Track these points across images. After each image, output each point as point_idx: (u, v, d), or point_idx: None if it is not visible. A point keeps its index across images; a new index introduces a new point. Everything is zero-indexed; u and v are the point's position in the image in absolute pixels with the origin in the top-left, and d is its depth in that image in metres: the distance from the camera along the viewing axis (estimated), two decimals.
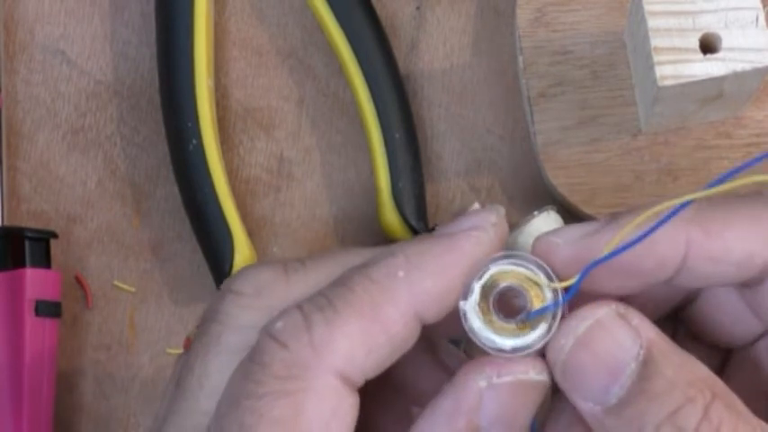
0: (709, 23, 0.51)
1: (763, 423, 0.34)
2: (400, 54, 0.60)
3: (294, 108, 0.61)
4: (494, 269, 0.36)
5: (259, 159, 0.60)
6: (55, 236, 0.58)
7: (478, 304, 0.35)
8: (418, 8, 0.61)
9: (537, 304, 0.35)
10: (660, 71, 0.51)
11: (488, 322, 0.35)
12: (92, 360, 0.59)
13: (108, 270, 0.60)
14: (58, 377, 0.57)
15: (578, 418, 0.35)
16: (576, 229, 0.36)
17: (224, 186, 0.58)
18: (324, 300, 0.35)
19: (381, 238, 0.58)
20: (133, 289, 0.59)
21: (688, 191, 0.34)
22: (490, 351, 0.35)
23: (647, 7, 0.51)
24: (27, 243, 0.57)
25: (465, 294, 0.35)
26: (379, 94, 0.58)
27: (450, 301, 0.36)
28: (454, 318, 0.35)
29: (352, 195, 0.60)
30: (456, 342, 0.47)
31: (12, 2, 0.62)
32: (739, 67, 0.51)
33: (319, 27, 0.60)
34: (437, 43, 0.61)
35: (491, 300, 0.35)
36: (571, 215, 0.57)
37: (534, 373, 0.35)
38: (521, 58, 0.58)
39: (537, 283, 0.36)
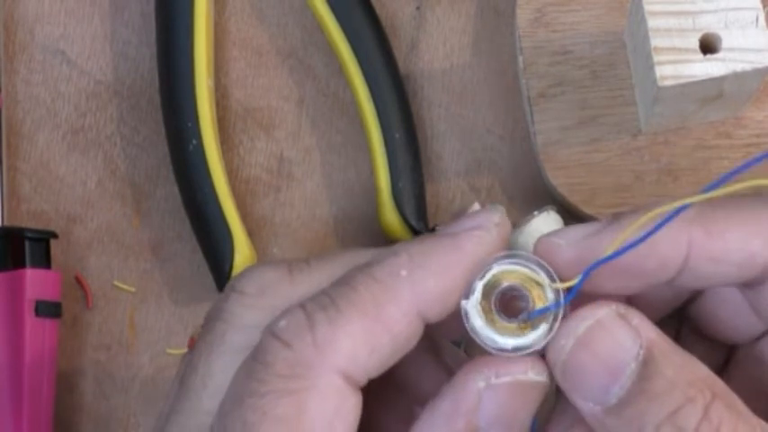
0: (710, 23, 0.51)
1: (763, 423, 0.34)
2: (400, 54, 0.60)
3: (294, 108, 0.61)
4: (496, 269, 0.36)
5: (259, 159, 0.60)
6: (55, 236, 0.58)
7: (480, 303, 0.35)
8: (418, 8, 0.61)
9: (539, 304, 0.35)
10: (660, 71, 0.51)
11: (490, 321, 0.35)
12: (92, 360, 0.59)
13: (108, 270, 0.60)
14: (58, 377, 0.57)
15: (579, 418, 0.35)
16: (578, 230, 0.36)
17: (224, 186, 0.58)
18: (327, 299, 0.35)
19: (381, 238, 0.58)
20: (133, 289, 0.59)
21: (688, 191, 0.34)
22: (491, 350, 0.35)
23: (647, 7, 0.52)
24: (27, 243, 0.57)
25: (467, 293, 0.36)
26: (379, 94, 0.58)
27: (452, 300, 0.36)
28: (456, 318, 0.36)
29: (352, 195, 0.60)
30: (456, 342, 0.47)
31: (12, 2, 0.62)
32: (739, 67, 0.51)
33: (319, 27, 0.60)
34: (437, 43, 0.61)
35: (493, 299, 0.35)
36: (571, 215, 0.57)
37: (533, 374, 0.35)
38: (521, 58, 0.58)
39: (539, 284, 0.36)
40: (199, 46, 0.58)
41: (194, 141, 0.58)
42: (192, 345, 0.37)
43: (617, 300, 0.36)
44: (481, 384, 0.35)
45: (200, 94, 0.58)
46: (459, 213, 0.59)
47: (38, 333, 0.56)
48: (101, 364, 0.59)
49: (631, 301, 0.37)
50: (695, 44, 0.51)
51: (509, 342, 0.35)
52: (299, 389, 0.34)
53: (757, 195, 0.38)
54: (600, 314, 0.35)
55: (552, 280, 0.35)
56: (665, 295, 0.39)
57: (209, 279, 0.58)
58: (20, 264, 0.56)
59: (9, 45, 0.62)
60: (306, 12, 0.61)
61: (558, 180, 0.57)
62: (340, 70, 0.60)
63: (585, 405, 0.35)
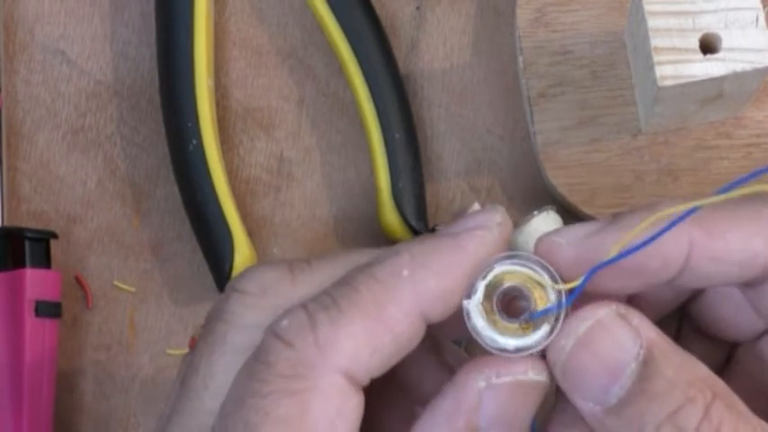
0: (710, 23, 0.52)
1: (763, 423, 0.34)
2: (400, 54, 0.60)
3: (294, 108, 0.61)
4: (498, 269, 0.36)
5: (259, 159, 0.60)
6: (55, 236, 0.58)
7: (482, 304, 0.35)
8: (418, 8, 0.61)
9: (541, 305, 0.35)
10: (660, 71, 0.51)
11: (491, 322, 0.35)
12: (92, 360, 0.59)
13: (108, 270, 0.60)
14: (58, 377, 0.57)
15: (579, 418, 0.35)
16: (579, 230, 0.36)
17: (224, 186, 0.58)
18: (329, 299, 0.35)
19: (381, 239, 0.58)
20: (133, 289, 0.59)
21: (688, 191, 0.34)
22: (493, 350, 0.35)
23: (647, 7, 0.52)
24: (27, 243, 0.57)
25: (469, 293, 0.36)
26: (379, 94, 0.58)
27: (454, 300, 0.36)
28: (458, 318, 0.36)
29: (352, 195, 0.60)
30: (457, 341, 0.47)
31: (12, 2, 0.62)
32: (739, 67, 0.51)
33: (319, 27, 0.60)
34: (437, 43, 0.61)
35: (495, 299, 0.35)
36: (571, 215, 0.57)
37: (533, 374, 0.35)
38: (521, 58, 0.58)
39: (541, 284, 0.36)
40: (199, 46, 0.59)
41: (194, 141, 0.58)
42: (193, 345, 0.37)
43: (617, 299, 0.36)
44: (482, 384, 0.35)
45: (200, 94, 0.58)
46: (460, 213, 0.59)
47: (38, 333, 0.56)
48: (101, 364, 0.59)
49: (631, 300, 0.37)
50: (695, 44, 0.51)
51: (511, 342, 0.35)
52: (302, 389, 0.34)
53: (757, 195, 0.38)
54: (600, 314, 0.35)
55: (554, 281, 0.35)
56: (666, 295, 0.39)
57: (209, 279, 0.58)
58: (20, 264, 0.56)
59: (9, 45, 0.62)
60: (306, 12, 0.61)
61: (558, 180, 0.57)
62: (340, 70, 0.60)
63: (585, 405, 0.35)
